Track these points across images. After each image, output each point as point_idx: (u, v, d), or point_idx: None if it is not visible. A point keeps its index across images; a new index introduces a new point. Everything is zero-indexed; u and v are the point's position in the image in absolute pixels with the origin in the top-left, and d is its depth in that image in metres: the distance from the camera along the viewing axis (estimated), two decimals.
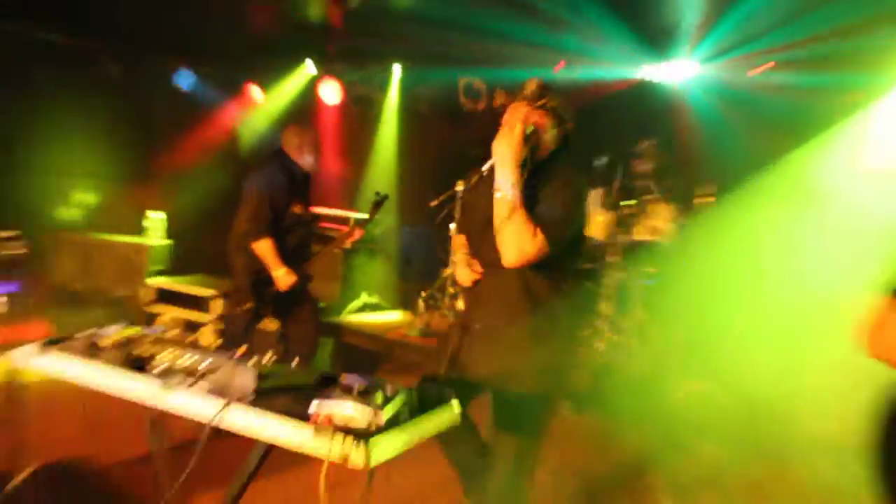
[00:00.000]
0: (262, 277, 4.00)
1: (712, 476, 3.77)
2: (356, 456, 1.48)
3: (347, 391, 1.72)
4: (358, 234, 4.65)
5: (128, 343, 2.02)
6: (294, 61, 7.24)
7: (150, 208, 6.29)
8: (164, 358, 1.92)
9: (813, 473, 3.70)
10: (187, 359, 1.90)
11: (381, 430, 1.59)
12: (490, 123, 2.40)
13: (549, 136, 2.32)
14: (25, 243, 2.17)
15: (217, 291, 5.54)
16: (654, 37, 5.38)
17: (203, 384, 1.79)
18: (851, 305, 1.91)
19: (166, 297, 5.80)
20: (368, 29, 6.19)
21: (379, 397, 1.69)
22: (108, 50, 7.47)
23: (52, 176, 7.54)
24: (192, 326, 5.57)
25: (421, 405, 1.80)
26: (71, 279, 5.97)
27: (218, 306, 5.51)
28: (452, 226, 2.47)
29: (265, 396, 1.75)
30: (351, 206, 6.40)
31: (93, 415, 2.17)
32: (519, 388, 2.30)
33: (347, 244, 4.52)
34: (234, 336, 3.92)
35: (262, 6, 6.39)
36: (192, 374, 1.82)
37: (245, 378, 1.77)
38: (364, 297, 5.96)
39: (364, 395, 1.70)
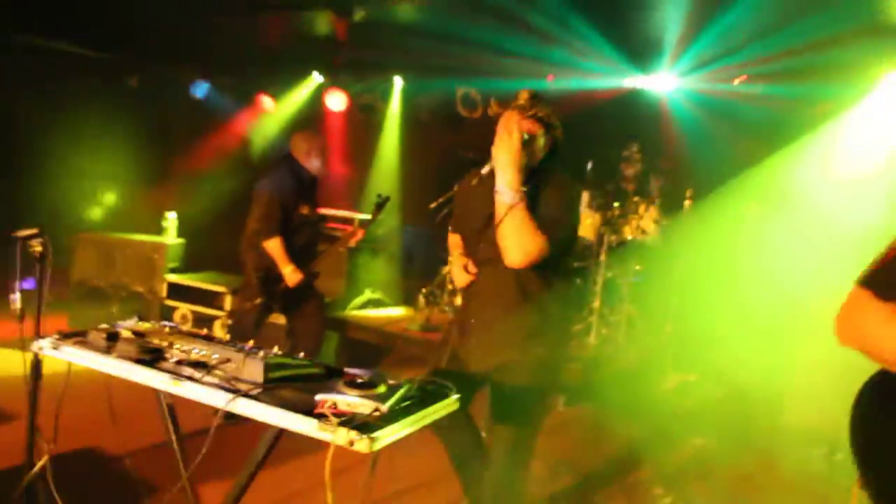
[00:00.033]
0: (271, 274, 3.98)
1: (701, 467, 3.72)
2: (360, 441, 1.47)
3: (352, 382, 1.70)
4: (361, 233, 4.64)
5: (143, 336, 1.99)
6: (302, 73, 7.23)
7: (167, 209, 6.27)
8: (178, 350, 1.90)
9: (801, 464, 3.65)
10: (200, 351, 1.87)
11: (383, 417, 1.57)
12: (485, 130, 2.37)
13: (540, 142, 2.30)
14: (45, 240, 2.12)
15: (228, 288, 5.53)
16: (638, 51, 5.38)
17: (214, 375, 1.77)
18: (822, 301, 1.88)
19: (180, 292, 5.79)
20: (371, 42, 6.20)
21: (382, 388, 1.68)
22: (130, 63, 7.51)
23: (77, 179, 7.56)
24: (205, 320, 5.55)
25: (422, 396, 1.79)
26: (92, 276, 5.96)
27: (228, 302, 5.50)
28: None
29: (273, 387, 1.73)
30: (355, 208, 6.37)
31: (109, 406, 2.13)
32: (515, 381, 2.27)
33: (352, 243, 4.50)
34: (244, 330, 3.88)
35: (273, 21, 6.39)
36: (204, 366, 1.80)
37: (254, 369, 1.75)
38: (367, 294, 5.93)
39: (367, 386, 1.68)
